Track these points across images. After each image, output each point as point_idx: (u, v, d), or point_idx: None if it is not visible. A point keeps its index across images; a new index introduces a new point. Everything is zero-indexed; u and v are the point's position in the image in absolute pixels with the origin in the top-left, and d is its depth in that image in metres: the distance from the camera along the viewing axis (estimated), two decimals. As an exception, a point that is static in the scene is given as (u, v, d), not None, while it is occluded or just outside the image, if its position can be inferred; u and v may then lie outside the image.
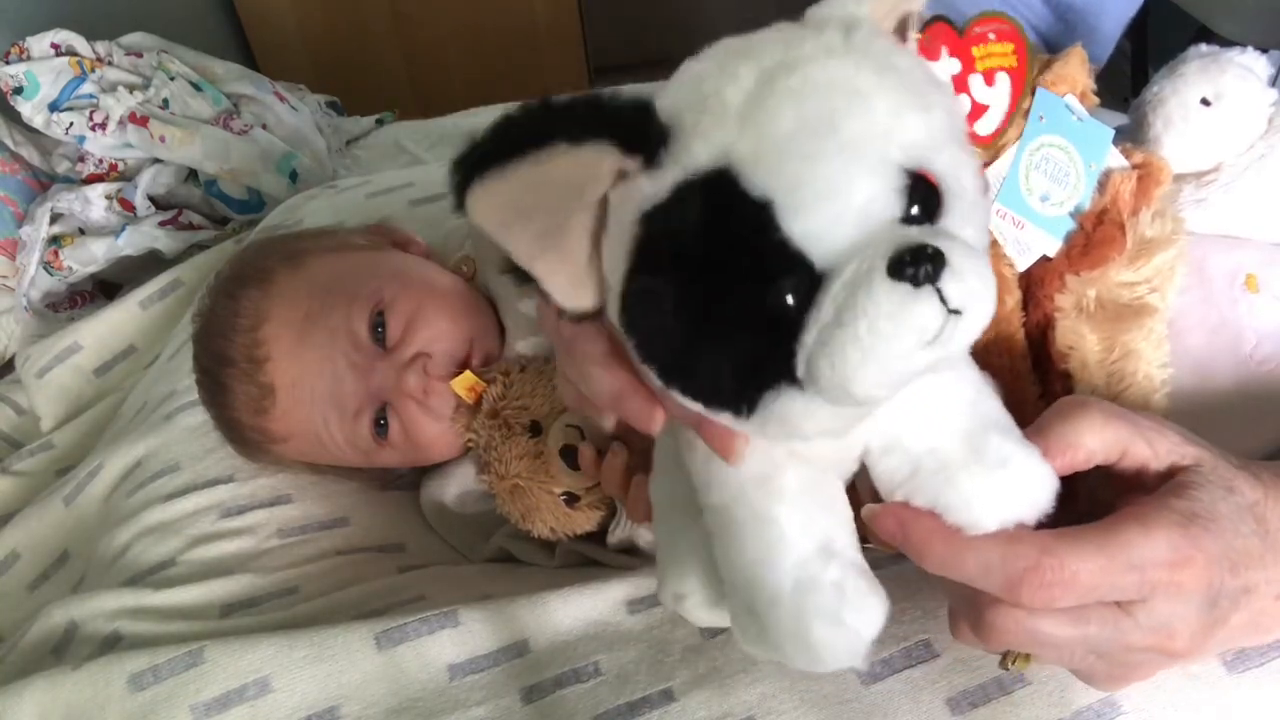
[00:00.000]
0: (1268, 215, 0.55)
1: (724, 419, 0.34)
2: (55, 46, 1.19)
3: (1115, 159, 0.51)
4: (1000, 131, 0.44)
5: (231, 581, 0.64)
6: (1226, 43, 0.58)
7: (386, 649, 0.55)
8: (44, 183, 1.21)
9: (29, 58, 1.17)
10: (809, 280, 0.30)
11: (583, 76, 2.25)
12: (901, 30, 0.38)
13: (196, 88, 1.24)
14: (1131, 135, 0.57)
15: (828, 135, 0.30)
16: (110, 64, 1.22)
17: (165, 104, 1.20)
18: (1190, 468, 0.40)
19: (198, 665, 0.55)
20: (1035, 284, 0.52)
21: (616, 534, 0.65)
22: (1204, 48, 0.57)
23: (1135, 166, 0.51)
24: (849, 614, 0.35)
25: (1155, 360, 0.49)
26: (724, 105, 0.31)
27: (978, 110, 0.43)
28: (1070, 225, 0.50)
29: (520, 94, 1.37)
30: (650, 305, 0.33)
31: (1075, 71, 0.52)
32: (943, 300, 0.29)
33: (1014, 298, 0.51)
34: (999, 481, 0.37)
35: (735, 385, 0.33)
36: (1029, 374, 0.51)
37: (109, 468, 0.78)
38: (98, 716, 0.54)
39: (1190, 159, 0.55)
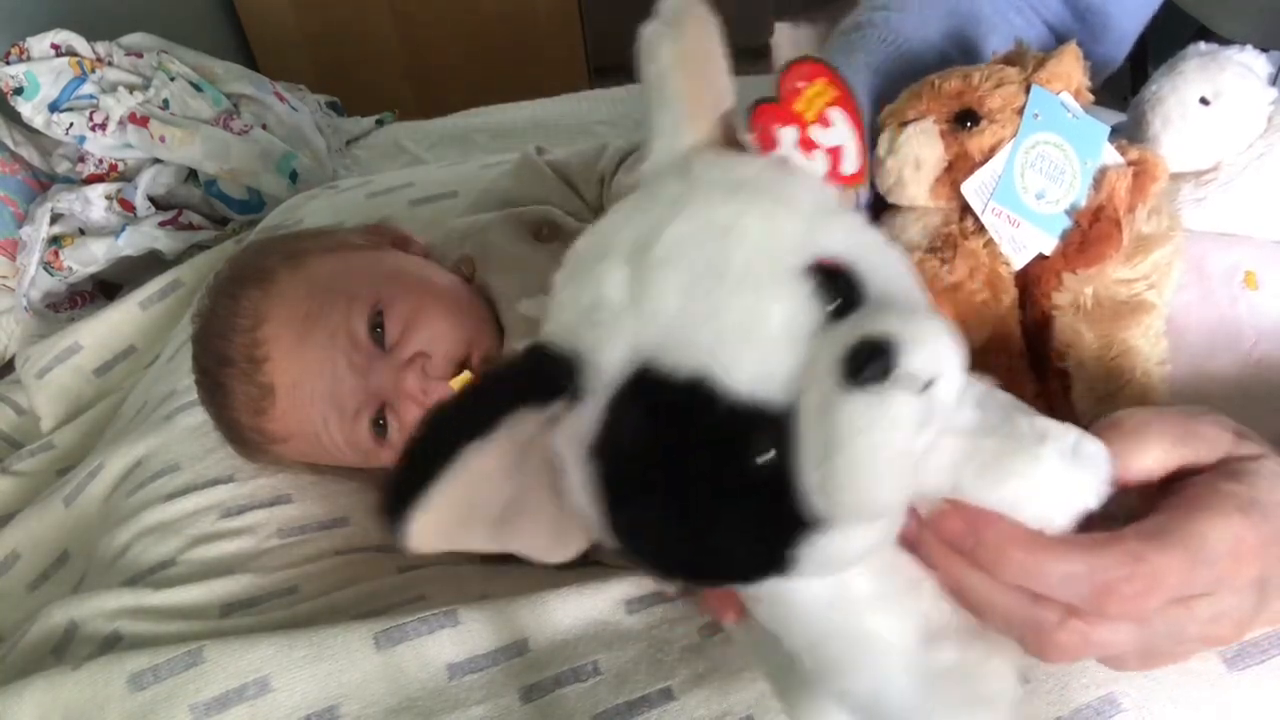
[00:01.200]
0: (1267, 213, 0.55)
1: (772, 584, 0.33)
2: (55, 47, 1.19)
3: (1111, 156, 0.51)
4: (864, 162, 0.42)
5: (231, 581, 0.64)
6: (1226, 42, 0.58)
7: (386, 649, 0.55)
8: (44, 183, 1.21)
9: (29, 58, 1.17)
10: (776, 427, 0.29)
11: (583, 76, 2.25)
12: (729, 135, 0.37)
13: (196, 88, 1.24)
14: (1130, 134, 0.56)
15: (716, 283, 0.29)
16: (110, 64, 1.22)
17: (165, 104, 1.20)
18: (1244, 456, 0.38)
19: (197, 665, 0.55)
20: (1032, 282, 0.52)
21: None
22: (1203, 46, 0.57)
23: (1131, 163, 0.51)
24: (982, 689, 0.33)
25: (1153, 357, 0.49)
26: (609, 308, 0.30)
27: (835, 156, 0.42)
28: (1066, 223, 0.50)
29: (520, 94, 1.37)
30: (641, 530, 0.31)
31: (1070, 68, 0.52)
32: (912, 384, 0.28)
33: (1010, 296, 0.51)
34: (1050, 463, 0.34)
35: (762, 558, 0.31)
36: (1026, 372, 0.51)
37: (109, 468, 0.78)
38: (97, 716, 0.54)
39: (1189, 158, 0.55)
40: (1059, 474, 0.34)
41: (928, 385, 0.28)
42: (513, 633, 0.56)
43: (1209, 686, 0.47)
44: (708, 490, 0.29)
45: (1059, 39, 0.69)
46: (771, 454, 0.29)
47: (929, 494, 0.35)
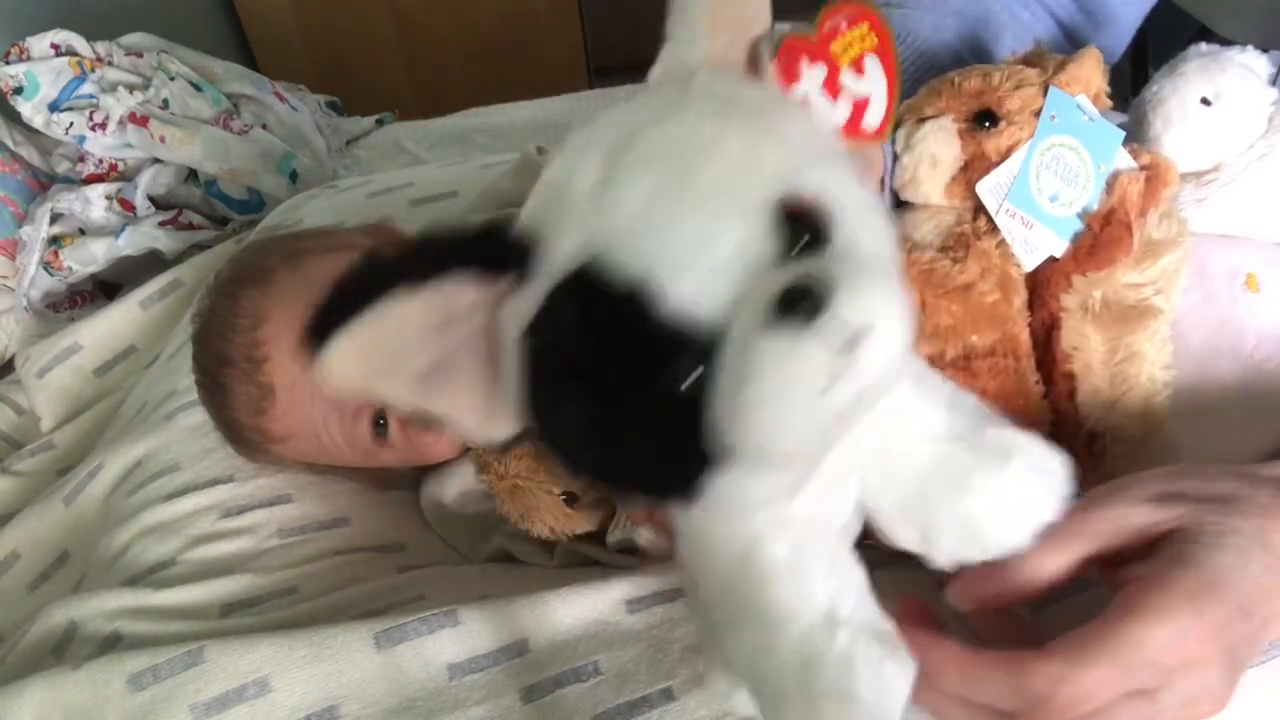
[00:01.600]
0: (1267, 214, 0.55)
1: (677, 507, 0.33)
2: (55, 46, 1.19)
3: (1123, 160, 0.51)
4: (890, 114, 0.41)
5: (231, 581, 0.64)
6: (1227, 42, 0.58)
7: (386, 649, 0.55)
8: (44, 183, 1.21)
9: (29, 58, 1.17)
10: (701, 351, 0.28)
11: (583, 76, 2.25)
12: (754, 60, 0.36)
13: (196, 88, 1.24)
14: (1131, 134, 0.56)
15: (679, 195, 0.29)
16: (110, 64, 1.22)
17: (165, 104, 1.20)
18: (1182, 529, 0.38)
19: (197, 665, 0.55)
20: (1041, 284, 0.52)
21: (616, 534, 0.65)
22: (1204, 47, 0.57)
23: (1143, 168, 0.51)
24: (864, 688, 0.32)
25: (1158, 362, 0.49)
26: (575, 197, 0.30)
27: (859, 107, 0.41)
28: (1077, 226, 0.50)
29: (520, 94, 1.37)
30: (557, 419, 0.31)
31: (1090, 72, 0.52)
32: (837, 327, 0.27)
33: (1021, 298, 0.51)
34: (1014, 479, 0.35)
35: (666, 475, 0.31)
36: (1032, 373, 0.51)
37: (109, 468, 0.78)
38: (97, 716, 0.54)
39: (1190, 158, 0.55)
40: (1021, 491, 0.35)
41: (854, 341, 0.27)
42: (513, 633, 0.56)
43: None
44: (626, 398, 0.29)
45: (1065, 32, 0.70)
46: (694, 376, 0.28)
47: (903, 500, 0.35)
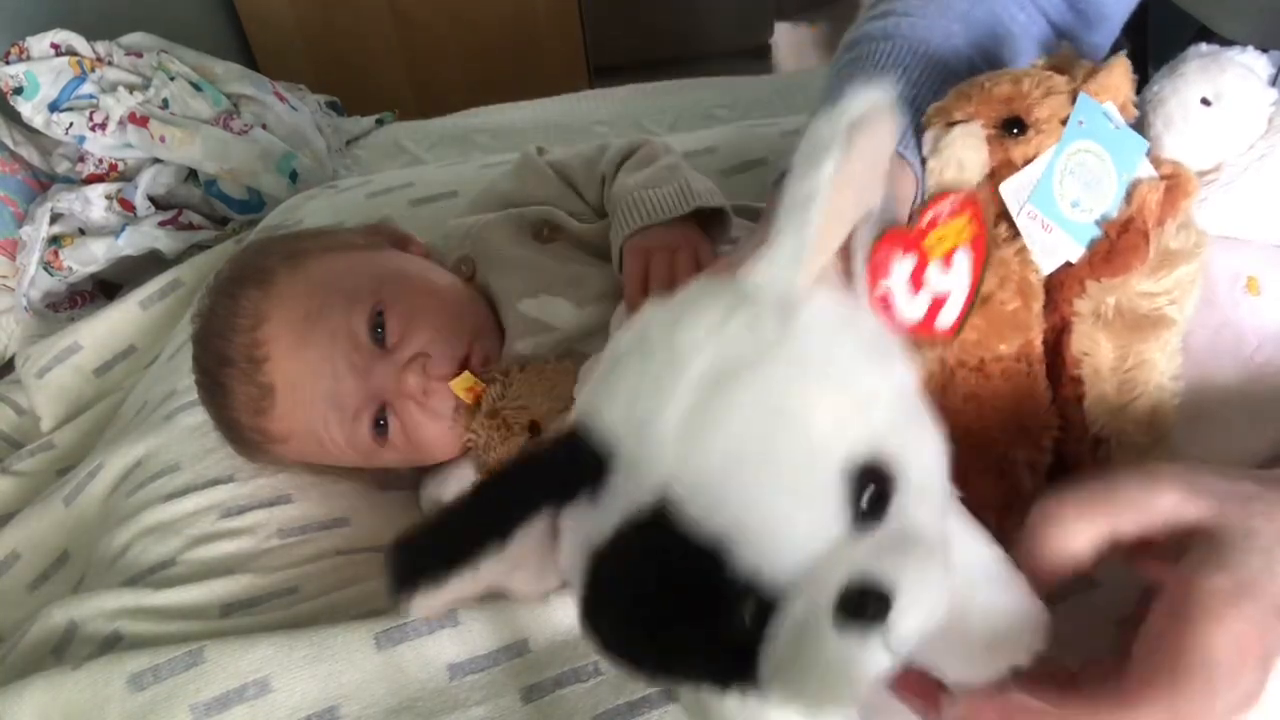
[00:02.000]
0: (1268, 215, 0.55)
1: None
2: (55, 46, 1.19)
3: (1144, 169, 0.51)
4: (963, 317, 0.43)
5: (231, 581, 0.64)
6: (1227, 42, 0.58)
7: (386, 649, 0.55)
8: (44, 183, 1.21)
9: (29, 58, 1.17)
10: (759, 606, 0.30)
11: (583, 76, 2.25)
12: (845, 254, 0.36)
13: (196, 88, 1.24)
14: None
15: (765, 466, 0.29)
16: (110, 64, 1.22)
17: (165, 104, 1.20)
18: (1209, 529, 0.38)
19: (197, 665, 0.55)
20: (1055, 288, 0.52)
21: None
22: (1204, 47, 0.57)
23: (1164, 177, 0.51)
24: None
25: (1168, 371, 0.50)
26: (660, 430, 0.30)
27: (937, 304, 0.41)
28: (1096, 233, 0.50)
29: (520, 94, 1.37)
30: (611, 632, 0.33)
31: (1118, 82, 0.52)
32: (886, 643, 0.29)
33: (1039, 303, 0.51)
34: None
35: (710, 680, 0.33)
36: (1043, 379, 0.51)
37: (109, 468, 0.78)
38: (98, 716, 0.54)
39: (1190, 159, 0.55)
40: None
41: (902, 639, 0.29)
42: (513, 633, 0.56)
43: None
44: (681, 634, 0.31)
45: (1058, 33, 0.70)
46: (744, 625, 0.30)
47: None
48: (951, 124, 0.52)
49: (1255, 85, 0.54)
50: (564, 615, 0.56)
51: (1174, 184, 0.51)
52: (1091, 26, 0.69)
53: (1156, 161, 0.52)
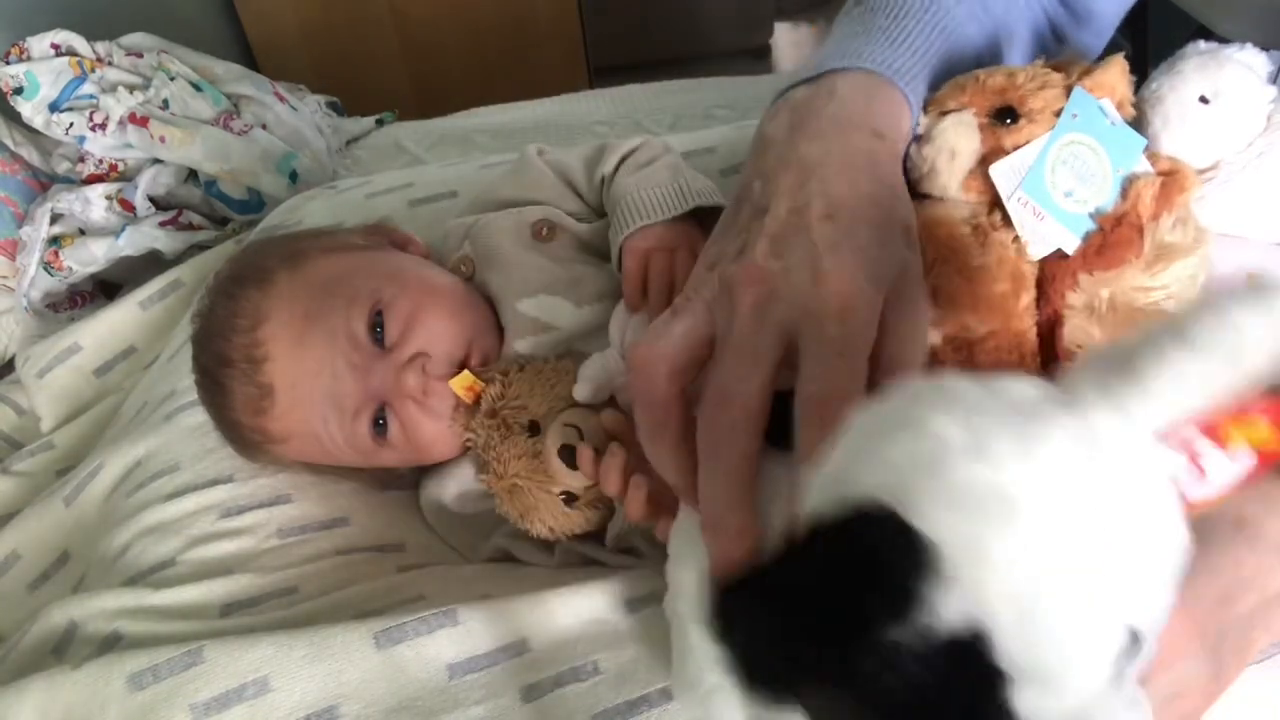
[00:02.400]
0: (1267, 213, 0.55)
1: None
2: (55, 46, 1.19)
3: (1141, 164, 0.51)
4: (1210, 504, 0.38)
5: (231, 581, 0.64)
6: (1226, 41, 0.58)
7: (386, 648, 0.55)
8: (44, 183, 1.22)
9: (29, 58, 1.17)
10: None
11: (583, 77, 2.25)
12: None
13: (196, 88, 1.24)
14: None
15: (1077, 616, 0.28)
16: (110, 64, 1.22)
17: (165, 104, 1.20)
18: None
19: (197, 665, 0.55)
20: (1048, 280, 0.52)
21: (616, 532, 0.65)
22: (1202, 45, 0.57)
23: (1161, 173, 0.51)
24: None
25: None
26: (993, 564, 0.27)
27: (1199, 475, 0.36)
28: (1090, 225, 0.51)
29: (520, 94, 1.37)
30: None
31: (1115, 79, 0.53)
32: None
33: (1030, 295, 0.51)
34: None
35: None
36: (1036, 373, 0.51)
37: (109, 468, 0.78)
38: (97, 716, 0.54)
39: (1189, 157, 0.55)
40: None
41: None
42: (513, 632, 0.56)
43: (1209, 686, 0.47)
44: None
45: (1051, 27, 0.70)
46: None
47: None
48: (945, 113, 0.53)
49: (1254, 83, 0.54)
50: (564, 614, 0.56)
51: (1170, 180, 0.51)
52: (1081, 23, 0.69)
53: (1155, 158, 0.52)
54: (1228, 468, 0.33)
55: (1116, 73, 0.53)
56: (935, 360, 0.49)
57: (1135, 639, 0.29)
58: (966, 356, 0.50)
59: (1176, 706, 0.37)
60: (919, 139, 0.54)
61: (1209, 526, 0.36)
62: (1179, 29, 0.88)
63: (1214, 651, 0.37)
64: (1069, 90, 0.52)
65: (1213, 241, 0.53)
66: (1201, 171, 0.55)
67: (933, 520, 0.28)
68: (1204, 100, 0.54)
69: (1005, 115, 0.52)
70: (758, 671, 0.29)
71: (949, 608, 0.27)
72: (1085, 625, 0.28)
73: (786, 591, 0.28)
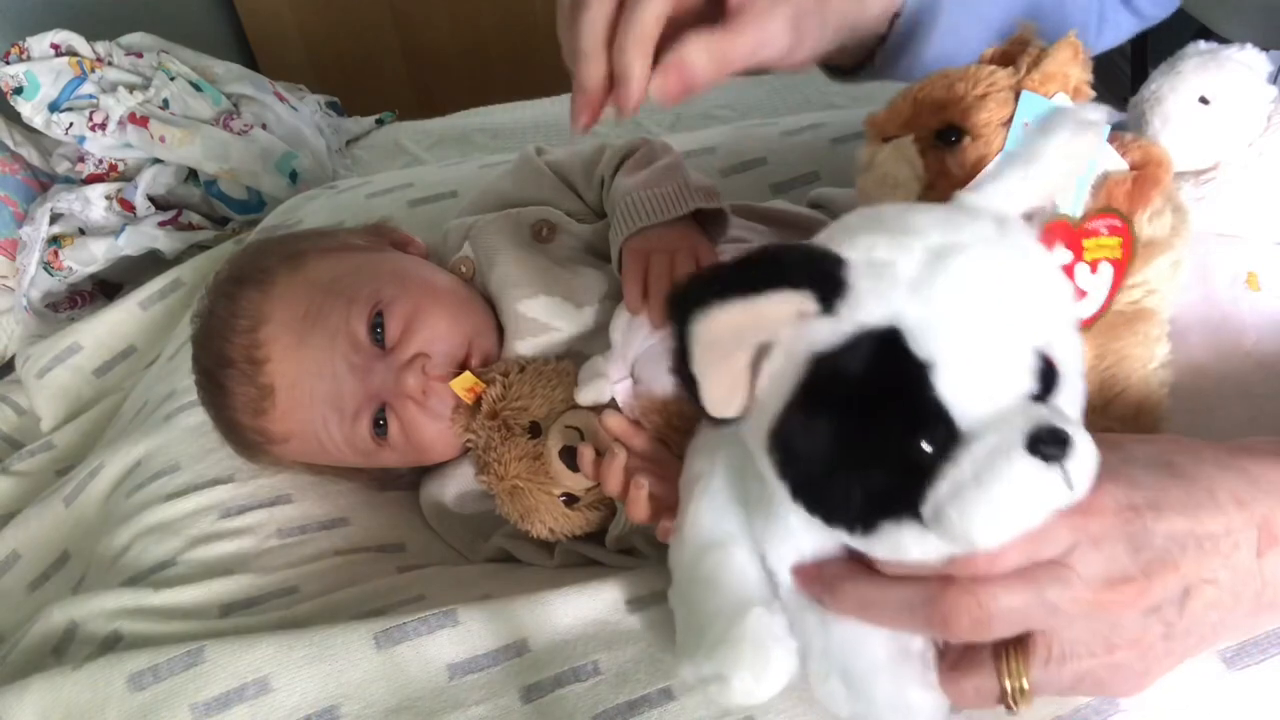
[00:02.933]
0: (1267, 213, 0.55)
1: (838, 534, 0.39)
2: (55, 46, 1.19)
3: (1111, 159, 0.49)
4: (1095, 318, 0.46)
5: (231, 581, 0.64)
6: (1227, 41, 0.58)
7: (386, 648, 0.55)
8: (44, 183, 1.21)
9: (29, 58, 1.17)
10: (948, 436, 0.35)
11: (583, 76, 2.24)
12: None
13: (196, 88, 1.24)
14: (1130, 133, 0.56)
15: (981, 316, 0.35)
16: (110, 64, 1.22)
17: (165, 104, 1.20)
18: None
19: (198, 665, 0.55)
20: None
21: (616, 533, 0.65)
22: (1203, 45, 0.57)
23: (1133, 166, 0.49)
24: (933, 680, 0.41)
25: (1151, 361, 0.48)
26: (896, 275, 0.36)
27: (1079, 295, 0.46)
28: None
29: (520, 94, 1.37)
30: (804, 435, 0.37)
31: (1065, 64, 0.49)
32: (1067, 479, 0.34)
33: None
34: None
35: (862, 511, 0.37)
36: None
37: (109, 468, 0.78)
38: (98, 716, 0.54)
39: (1189, 157, 0.55)
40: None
41: (1066, 490, 0.35)
42: (513, 633, 0.56)
43: (1208, 686, 0.47)
44: (873, 441, 0.36)
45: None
46: (929, 450, 0.35)
47: None
48: (887, 139, 0.50)
49: (1254, 83, 0.54)
50: (564, 615, 0.56)
51: (1143, 175, 0.49)
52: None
53: (1125, 147, 0.50)
54: (1097, 280, 0.44)
55: (1065, 57, 0.49)
56: None
57: (1050, 368, 0.36)
58: None
59: (1110, 592, 0.39)
60: (858, 169, 0.52)
61: (1137, 464, 0.41)
62: (1179, 29, 0.88)
63: (1138, 549, 0.39)
64: (1018, 91, 0.48)
65: (1193, 220, 0.52)
66: (1201, 172, 0.55)
67: (854, 245, 0.37)
68: (1204, 101, 0.53)
69: (949, 134, 0.48)
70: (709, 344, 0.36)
71: (868, 311, 0.35)
72: (986, 326, 0.35)
73: (737, 280, 0.35)
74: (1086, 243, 0.45)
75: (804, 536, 0.42)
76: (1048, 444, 0.34)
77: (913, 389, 0.35)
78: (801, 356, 0.36)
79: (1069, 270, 0.45)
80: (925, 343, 0.35)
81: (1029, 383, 0.36)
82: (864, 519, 0.37)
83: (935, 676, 0.41)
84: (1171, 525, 0.39)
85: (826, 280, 0.35)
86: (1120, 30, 0.72)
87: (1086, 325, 0.46)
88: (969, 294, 0.35)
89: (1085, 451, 0.35)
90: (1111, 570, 0.39)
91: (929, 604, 0.39)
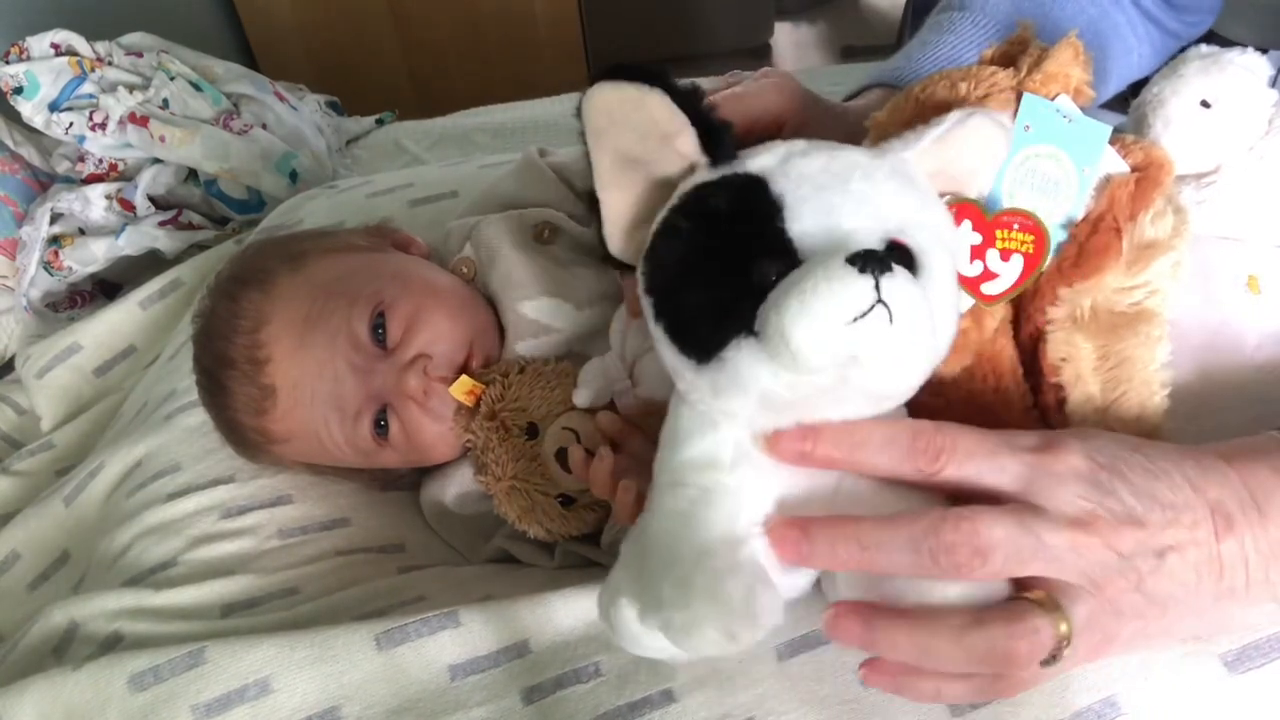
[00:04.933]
0: (1267, 216, 0.55)
1: (688, 366, 0.41)
2: (55, 46, 1.19)
3: (1113, 162, 0.49)
4: (1006, 294, 0.48)
5: (232, 582, 0.64)
6: (1228, 43, 0.58)
7: (387, 649, 0.55)
8: (44, 183, 1.21)
9: (29, 58, 1.17)
10: (789, 265, 0.39)
11: (583, 76, 2.25)
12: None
13: (196, 88, 1.24)
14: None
15: (838, 182, 0.41)
16: (110, 64, 1.22)
17: (165, 104, 1.20)
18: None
19: (198, 666, 0.55)
20: (1026, 298, 0.50)
21: (610, 535, 0.65)
22: (1204, 48, 0.57)
23: (1134, 168, 0.49)
24: (734, 586, 0.38)
25: (1153, 362, 0.48)
26: (778, 149, 0.43)
27: (988, 275, 0.48)
28: (1061, 236, 0.48)
29: (520, 94, 1.37)
30: (668, 243, 0.42)
31: (1067, 65, 0.49)
32: (878, 289, 0.37)
33: (996, 319, 0.49)
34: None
35: (707, 328, 0.40)
36: (1015, 390, 0.49)
37: (109, 468, 0.78)
38: (98, 717, 0.54)
39: (1190, 160, 0.55)
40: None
41: (881, 304, 0.37)
42: (514, 634, 0.56)
43: (1209, 689, 0.47)
44: (722, 257, 0.40)
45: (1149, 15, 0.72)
46: (769, 274, 0.39)
47: None
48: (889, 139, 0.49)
49: (1255, 87, 0.54)
50: (565, 616, 0.56)
51: (1144, 176, 0.49)
52: (1176, 11, 0.74)
53: (1127, 148, 0.49)
54: (1008, 267, 0.47)
55: (1066, 57, 0.49)
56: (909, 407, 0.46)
57: (903, 250, 0.40)
58: (937, 394, 0.47)
59: (1081, 532, 0.40)
60: None
61: (1103, 439, 0.43)
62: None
63: (1103, 492, 0.41)
64: (1019, 95, 0.48)
65: (1194, 222, 0.51)
66: (1202, 175, 0.55)
67: (765, 145, 0.44)
68: (1205, 104, 0.54)
69: None
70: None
71: (745, 165, 0.42)
72: (841, 192, 0.40)
73: (628, 70, 0.42)
74: (998, 233, 0.47)
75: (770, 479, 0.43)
76: (866, 260, 0.37)
77: (763, 218, 0.40)
78: (683, 189, 0.43)
79: (979, 251, 0.47)
80: (781, 187, 0.40)
81: (870, 244, 0.39)
82: (711, 340, 0.40)
83: (763, 581, 0.40)
84: (1135, 486, 0.41)
85: (716, 134, 0.42)
86: (1161, 55, 0.76)
87: (989, 301, 0.48)
88: (829, 167, 0.41)
89: (905, 283, 0.38)
90: (1081, 508, 0.40)
91: (930, 535, 0.40)
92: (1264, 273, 0.54)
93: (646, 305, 0.43)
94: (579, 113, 0.44)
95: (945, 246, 0.43)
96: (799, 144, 0.43)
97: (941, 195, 0.46)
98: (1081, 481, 0.40)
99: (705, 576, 0.38)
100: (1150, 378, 0.48)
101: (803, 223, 0.39)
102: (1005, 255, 0.47)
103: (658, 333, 0.42)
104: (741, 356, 0.39)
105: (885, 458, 0.42)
